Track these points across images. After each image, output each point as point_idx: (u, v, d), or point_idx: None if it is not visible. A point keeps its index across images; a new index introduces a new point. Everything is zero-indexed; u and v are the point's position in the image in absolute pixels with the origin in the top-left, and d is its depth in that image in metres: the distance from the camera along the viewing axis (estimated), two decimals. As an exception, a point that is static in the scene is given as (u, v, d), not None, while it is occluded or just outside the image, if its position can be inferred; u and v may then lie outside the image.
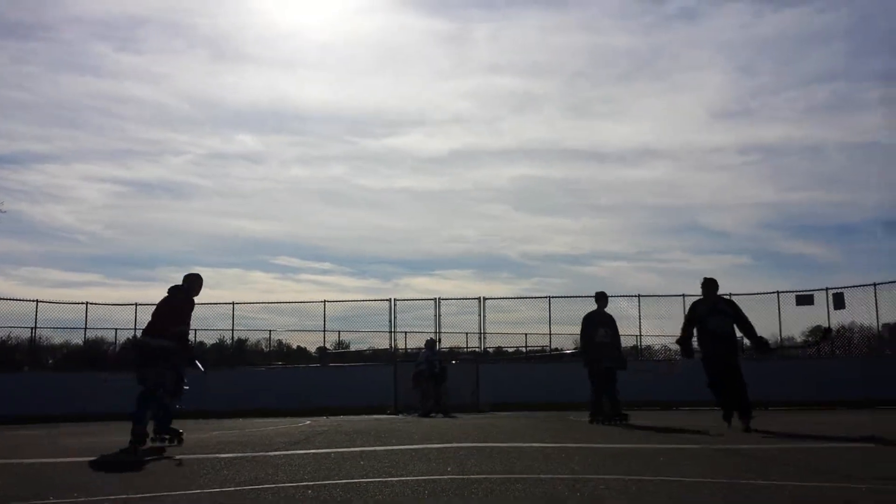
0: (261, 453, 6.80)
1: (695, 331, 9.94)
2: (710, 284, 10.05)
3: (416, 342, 23.83)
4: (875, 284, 20.84)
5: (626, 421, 10.69)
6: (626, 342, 25.35)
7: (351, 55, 75.24)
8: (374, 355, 25.14)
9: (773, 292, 22.00)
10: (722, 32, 69.00)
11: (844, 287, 21.21)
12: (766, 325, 22.27)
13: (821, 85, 68.14)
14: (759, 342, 9.76)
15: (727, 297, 10.36)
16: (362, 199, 72.13)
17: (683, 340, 10.12)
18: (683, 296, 21.88)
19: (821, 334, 21.71)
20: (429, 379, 16.55)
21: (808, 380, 19.74)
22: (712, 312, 9.69)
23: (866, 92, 64.70)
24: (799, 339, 25.33)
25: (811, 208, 68.52)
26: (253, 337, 28.02)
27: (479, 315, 21.90)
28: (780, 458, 5.85)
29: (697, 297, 10.36)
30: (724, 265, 60.78)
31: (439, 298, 21.90)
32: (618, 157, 73.82)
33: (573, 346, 25.78)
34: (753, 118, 68.52)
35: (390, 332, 21.98)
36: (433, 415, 15.32)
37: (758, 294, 22.26)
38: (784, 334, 22.43)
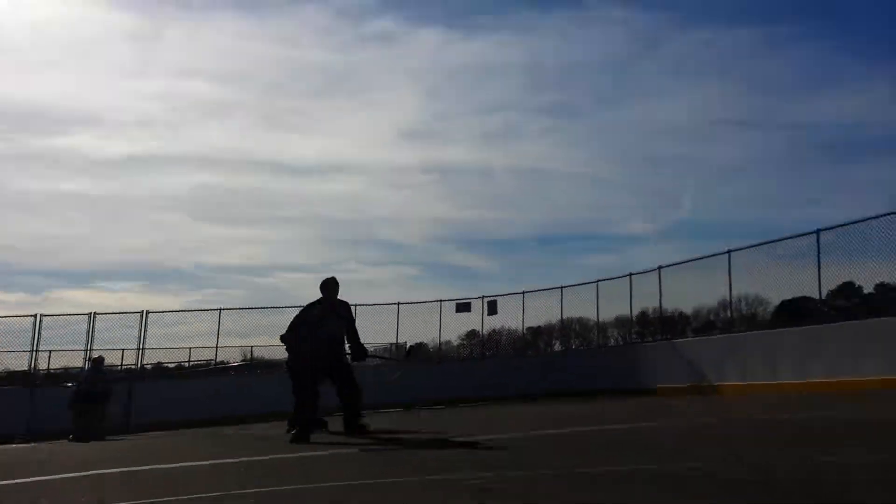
0: None
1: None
2: (332, 285, 9.50)
3: (63, 361, 21.57)
4: (524, 293, 23.15)
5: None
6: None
7: (23, 43, 65.70)
8: (10, 377, 22.22)
9: (437, 301, 23.38)
10: (414, 57, 72.79)
11: (498, 295, 23.26)
12: (428, 330, 23.64)
13: (495, 114, 74.84)
14: (360, 348, 9.72)
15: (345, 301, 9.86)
16: (16, 202, 63.82)
17: (287, 339, 9.63)
18: (356, 305, 22.38)
19: (406, 351, 23.61)
20: (85, 401, 14.92)
21: (465, 378, 21.28)
22: (330, 315, 9.44)
23: (533, 123, 72.53)
24: (455, 342, 27.28)
25: (480, 224, 74.90)
26: None
27: (140, 329, 20.43)
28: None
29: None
30: (396, 275, 63.96)
31: (94, 313, 20.06)
32: (307, 169, 74.22)
33: (241, 358, 25.15)
34: (436, 140, 73.20)
35: (32, 350, 19.60)
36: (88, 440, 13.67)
37: (424, 302, 23.60)
38: (443, 338, 24.00)
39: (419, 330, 23.99)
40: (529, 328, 25.20)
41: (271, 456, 6.52)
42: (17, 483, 6.01)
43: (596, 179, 74.09)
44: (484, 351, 25.20)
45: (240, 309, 22.14)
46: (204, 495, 4.12)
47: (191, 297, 67.85)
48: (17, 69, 64.11)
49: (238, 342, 24.32)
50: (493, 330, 25.30)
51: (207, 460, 6.83)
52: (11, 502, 4.75)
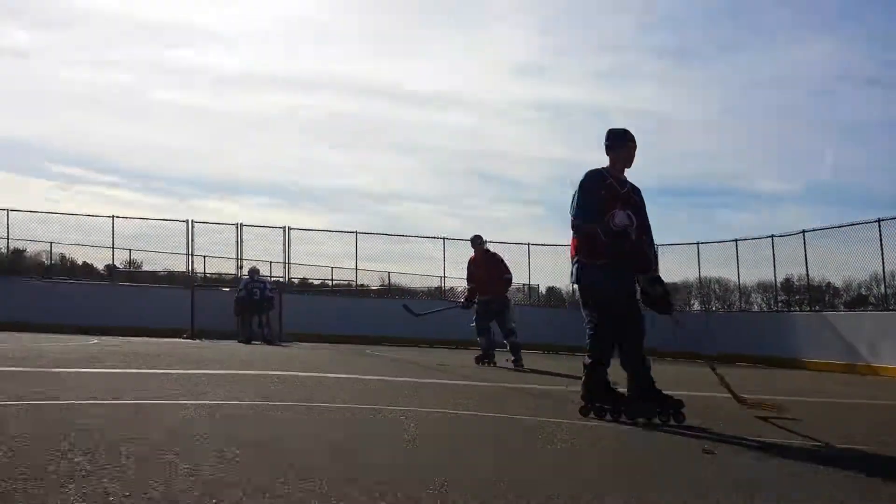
0: (44, 369, 6.36)
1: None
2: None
3: (216, 267, 23.08)
4: (657, 245, 22.80)
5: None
6: (430, 283, 26.10)
7: None
8: (171, 277, 24.07)
9: (568, 245, 23.35)
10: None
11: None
12: (560, 274, 23.71)
13: (608, 53, 72.34)
14: None
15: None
16: (154, 112, 67.49)
17: None
18: (487, 242, 22.80)
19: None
20: (247, 307, 16.20)
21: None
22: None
23: (647, 64, 69.73)
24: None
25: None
26: (31, 248, 25.77)
27: (284, 245, 21.54)
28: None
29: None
30: (522, 215, 63.84)
31: (241, 224, 21.25)
32: (422, 98, 74.60)
33: (379, 283, 26.18)
34: (547, 76, 71.76)
35: (188, 254, 21.12)
36: (255, 343, 15.03)
37: (555, 245, 23.59)
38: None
39: (551, 273, 24.03)
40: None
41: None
42: (199, 373, 6.80)
43: (718, 129, 70.45)
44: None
45: (375, 234, 22.82)
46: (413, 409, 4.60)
47: (324, 217, 70.28)
48: None
49: (372, 266, 25.26)
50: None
51: (398, 377, 7.43)
52: (224, 386, 5.44)
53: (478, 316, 10.82)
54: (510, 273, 11.25)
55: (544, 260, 23.65)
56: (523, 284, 25.63)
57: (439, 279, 24.03)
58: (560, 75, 72.92)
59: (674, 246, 22.58)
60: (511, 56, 74.08)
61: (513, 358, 10.29)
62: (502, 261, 11.27)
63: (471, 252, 11.49)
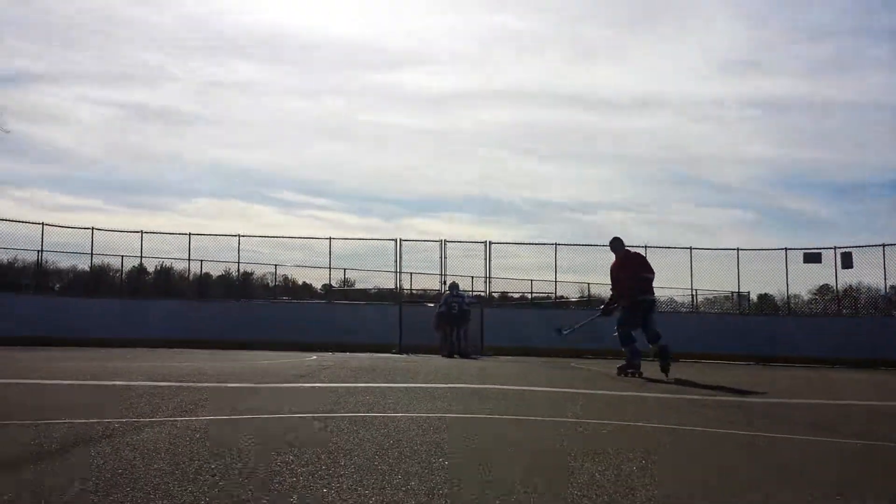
0: (268, 385, 6.89)
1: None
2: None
3: (422, 283, 23.96)
4: (884, 245, 20.78)
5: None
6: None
7: None
8: (380, 295, 25.31)
9: (782, 249, 21.92)
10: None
11: (852, 246, 21.18)
12: (773, 281, 22.30)
13: (826, 41, 66.84)
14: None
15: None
16: (363, 134, 71.67)
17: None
18: (691, 248, 21.91)
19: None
20: (447, 321, 16.73)
21: (813, 336, 19.92)
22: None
23: (872, 49, 63.56)
24: (805, 296, 25.36)
25: (815, 165, 67.99)
26: (259, 270, 28.13)
27: (486, 259, 21.97)
28: (781, 414, 5.90)
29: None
30: (729, 219, 60.57)
31: (445, 241, 21.94)
32: (620, 104, 73.02)
33: (578, 295, 25.96)
34: (758, 71, 67.45)
35: (396, 272, 22.10)
36: (457, 356, 15.53)
37: (766, 250, 22.28)
38: (791, 291, 22.47)
39: (763, 279, 22.69)
40: (893, 287, 22.59)
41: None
42: (408, 387, 7.05)
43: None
44: (840, 307, 23.07)
45: (574, 245, 22.69)
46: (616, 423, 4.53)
47: (522, 230, 70.91)
48: (351, 8, 70.89)
49: (572, 278, 25.09)
50: (849, 286, 23.12)
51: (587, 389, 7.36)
52: (430, 399, 5.64)
53: (620, 324, 9.99)
54: (651, 272, 10.13)
55: (756, 266, 22.39)
56: (732, 292, 24.37)
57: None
58: (773, 69, 68.74)
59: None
60: (717, 54, 70.97)
61: (660, 364, 9.63)
62: (644, 261, 10.39)
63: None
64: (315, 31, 75.54)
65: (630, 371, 9.78)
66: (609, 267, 10.64)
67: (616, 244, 10.57)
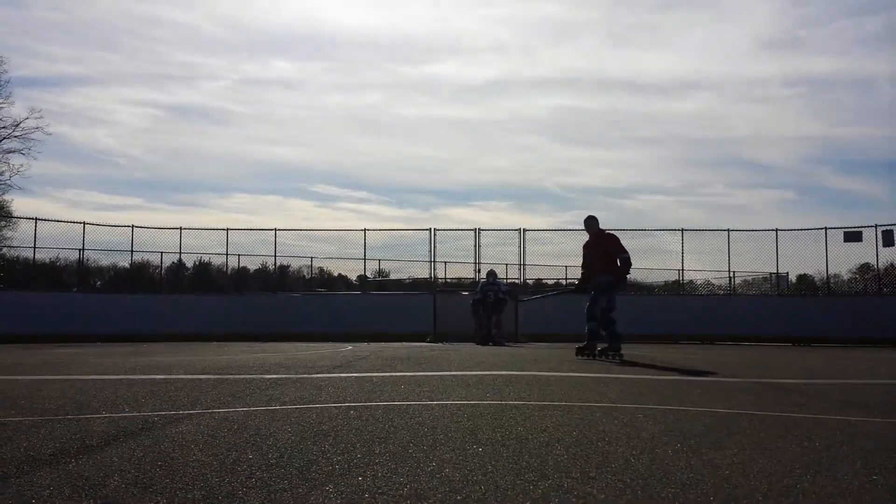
0: (304, 375, 6.96)
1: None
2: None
3: (456, 272, 24.02)
4: (925, 222, 20.37)
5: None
6: (668, 276, 25.22)
7: None
8: (414, 284, 25.41)
9: (821, 228, 21.57)
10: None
11: (894, 224, 20.75)
12: (812, 261, 21.96)
13: (873, 15, 65.32)
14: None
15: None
16: (398, 127, 71.95)
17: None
18: (728, 230, 21.63)
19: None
20: (483, 309, 16.77)
21: (855, 317, 19.62)
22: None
23: None
24: (845, 276, 24.92)
25: (860, 143, 66.70)
26: (295, 263, 28.44)
27: (520, 246, 21.94)
28: (806, 390, 5.82)
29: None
30: (769, 200, 59.65)
31: (479, 229, 21.96)
32: (658, 87, 72.24)
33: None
34: (801, 49, 66.14)
35: (430, 261, 22.18)
36: (490, 344, 15.57)
37: (805, 230, 21.91)
38: (831, 271, 22.09)
39: (802, 260, 22.36)
40: (935, 264, 22.12)
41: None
42: (442, 375, 7.08)
43: None
44: (881, 286, 22.63)
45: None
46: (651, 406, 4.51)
47: (557, 217, 70.66)
48: (385, 3, 71.10)
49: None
50: (891, 264, 22.67)
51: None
52: (464, 387, 5.66)
53: (607, 309, 10.19)
54: (625, 252, 10.26)
55: (795, 246, 22.09)
56: (771, 273, 24.04)
57: (677, 272, 23.22)
58: (816, 46, 67.43)
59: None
60: (758, 32, 69.82)
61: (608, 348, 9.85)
62: (619, 242, 10.43)
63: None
64: (350, 26, 75.99)
65: (587, 352, 10.09)
66: (582, 245, 10.98)
67: (591, 222, 10.74)
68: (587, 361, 9.47)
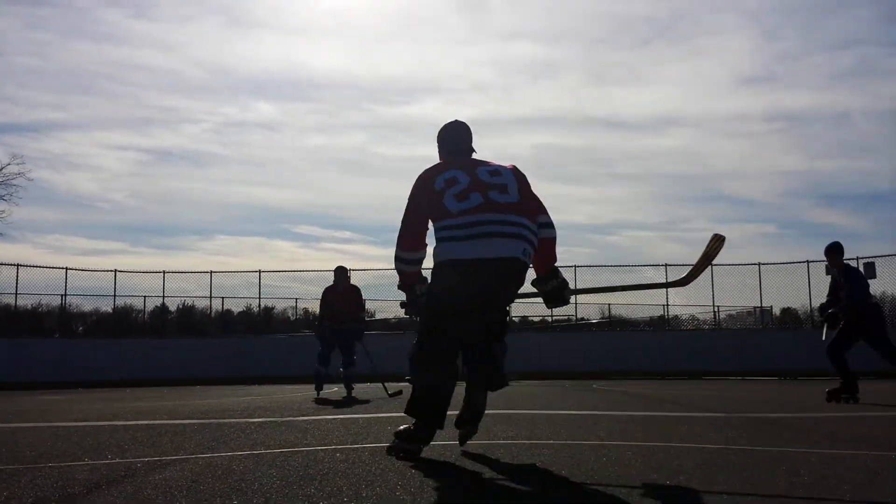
0: (290, 418, 6.89)
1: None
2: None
3: (442, 311, 23.95)
4: (907, 254, 20.60)
5: None
6: (653, 312, 25.29)
7: (366, 21, 75.38)
8: (400, 324, 25.33)
9: (804, 261, 21.75)
10: (744, -3, 67.70)
11: (875, 256, 20.98)
12: (796, 295, 22.13)
13: (847, 50, 66.80)
14: None
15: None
16: (381, 167, 72.35)
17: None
18: (711, 265, 21.76)
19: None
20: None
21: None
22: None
23: (893, 57, 63.34)
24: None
25: (838, 176, 67.69)
26: (279, 305, 28.31)
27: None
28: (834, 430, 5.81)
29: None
30: (750, 234, 60.26)
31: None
32: (638, 124, 73.15)
33: (599, 316, 25.78)
34: (779, 84, 67.38)
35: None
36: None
37: (788, 263, 22.08)
38: (814, 304, 22.22)
39: (785, 293, 22.54)
40: (916, 296, 22.35)
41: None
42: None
43: None
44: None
45: (595, 266, 22.67)
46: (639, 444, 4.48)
47: (543, 252, 70.56)
48: (365, 44, 72.23)
49: (592, 299, 24.95)
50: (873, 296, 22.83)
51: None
52: (452, 427, 5.62)
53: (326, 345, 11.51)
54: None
55: (778, 279, 22.25)
56: (755, 307, 24.16)
57: (662, 308, 23.30)
58: (792, 81, 68.75)
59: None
60: (734, 69, 71.09)
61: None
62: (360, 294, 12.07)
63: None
64: (330, 68, 76.75)
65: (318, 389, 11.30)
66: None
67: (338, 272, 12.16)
68: (579, 399, 9.44)
